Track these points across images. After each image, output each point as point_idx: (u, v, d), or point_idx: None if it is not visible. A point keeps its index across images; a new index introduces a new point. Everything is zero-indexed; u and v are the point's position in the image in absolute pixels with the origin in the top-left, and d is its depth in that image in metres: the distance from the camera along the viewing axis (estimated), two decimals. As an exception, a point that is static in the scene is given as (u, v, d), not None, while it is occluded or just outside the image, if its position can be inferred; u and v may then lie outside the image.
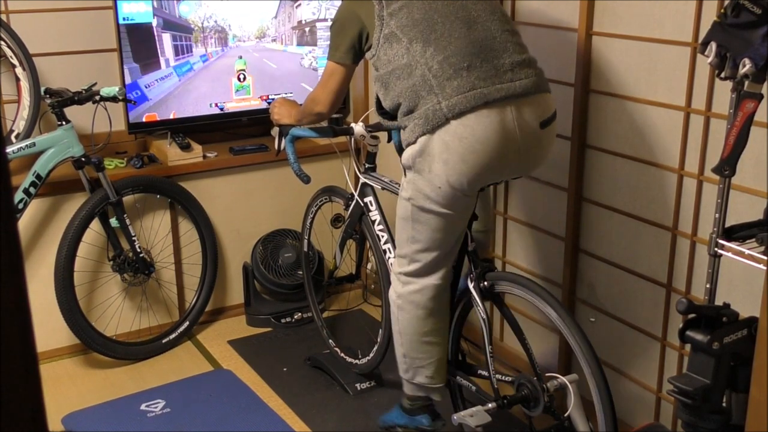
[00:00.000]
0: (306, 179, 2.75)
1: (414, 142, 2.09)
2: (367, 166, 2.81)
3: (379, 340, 2.83)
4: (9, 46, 2.93)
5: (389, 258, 2.63)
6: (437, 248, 2.23)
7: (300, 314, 3.50)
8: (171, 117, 3.35)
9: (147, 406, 2.85)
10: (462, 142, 2.04)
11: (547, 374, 2.20)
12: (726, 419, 1.76)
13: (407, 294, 2.30)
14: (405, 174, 2.19)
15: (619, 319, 2.59)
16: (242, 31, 3.45)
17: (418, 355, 2.35)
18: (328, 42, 2.38)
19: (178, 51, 3.34)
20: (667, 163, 2.35)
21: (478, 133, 2.04)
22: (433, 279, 2.27)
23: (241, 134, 3.60)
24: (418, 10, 2.14)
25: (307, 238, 3.20)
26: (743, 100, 1.72)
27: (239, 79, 3.47)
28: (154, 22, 3.22)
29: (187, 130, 3.40)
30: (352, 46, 2.27)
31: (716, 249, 1.82)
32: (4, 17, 3.01)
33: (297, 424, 2.77)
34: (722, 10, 1.75)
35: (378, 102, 2.27)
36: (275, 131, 2.80)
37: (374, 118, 2.42)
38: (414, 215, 2.19)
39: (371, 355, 2.89)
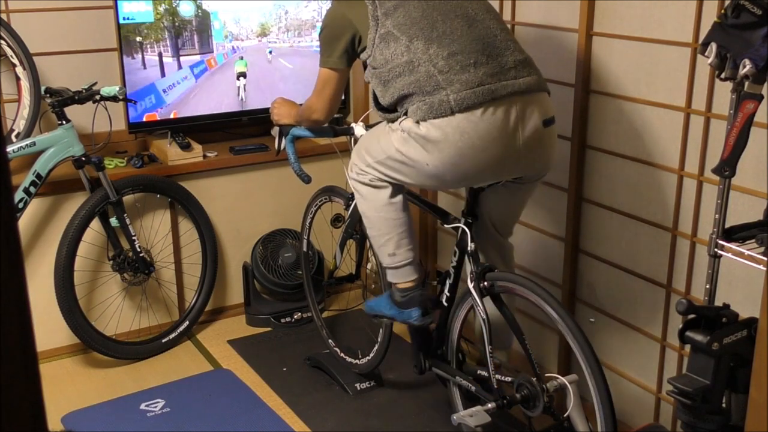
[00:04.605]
0: (306, 179, 2.76)
1: (416, 122, 2.10)
2: (367, 166, 2.80)
3: (379, 340, 2.83)
4: (9, 46, 2.93)
5: None
6: (394, 182, 2.26)
7: (300, 314, 3.50)
8: (171, 117, 3.35)
9: (147, 405, 2.85)
10: (463, 137, 2.05)
11: (546, 374, 2.20)
12: (725, 420, 1.76)
13: (363, 181, 2.30)
14: (402, 131, 2.16)
15: (618, 320, 2.59)
16: (239, 29, 3.45)
17: (378, 233, 2.33)
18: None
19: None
20: (667, 163, 2.35)
21: (481, 130, 2.05)
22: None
23: (241, 134, 3.60)
24: (415, 9, 2.14)
25: (306, 237, 3.20)
26: (743, 101, 1.72)
27: (239, 80, 3.47)
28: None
29: (187, 129, 3.40)
30: (345, 51, 2.27)
31: (716, 250, 1.82)
32: (4, 16, 3.01)
33: (297, 424, 2.77)
34: (723, 11, 1.75)
35: (375, 97, 2.27)
36: (275, 131, 2.80)
37: (374, 118, 2.42)
38: (392, 157, 2.19)
39: (371, 355, 2.89)
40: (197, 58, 3.37)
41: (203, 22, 3.38)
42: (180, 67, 3.35)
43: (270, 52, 3.51)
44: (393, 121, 2.21)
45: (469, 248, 2.33)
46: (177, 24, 3.30)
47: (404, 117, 2.16)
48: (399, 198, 2.29)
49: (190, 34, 3.35)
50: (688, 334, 1.73)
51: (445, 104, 2.05)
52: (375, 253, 2.43)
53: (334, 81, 2.35)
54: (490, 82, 2.07)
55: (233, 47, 3.44)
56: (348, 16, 2.23)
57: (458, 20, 2.14)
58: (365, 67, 2.27)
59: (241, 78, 3.47)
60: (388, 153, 2.20)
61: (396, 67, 2.12)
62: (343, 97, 3.00)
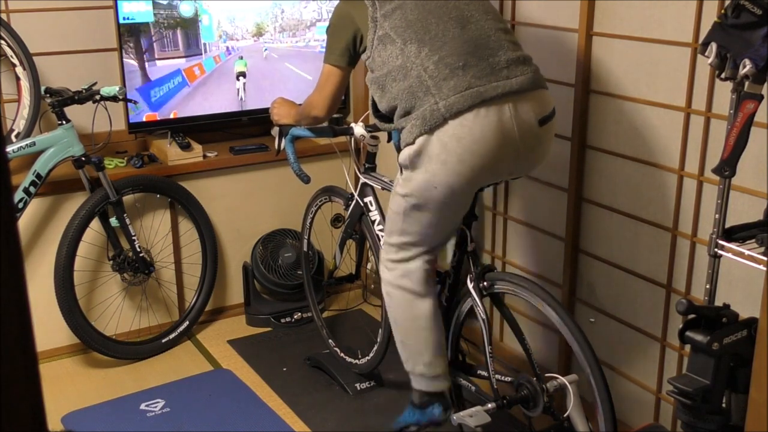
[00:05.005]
0: (306, 179, 2.76)
1: (412, 143, 2.08)
2: (367, 166, 2.81)
3: (378, 340, 2.83)
4: (9, 46, 2.93)
5: None
6: (427, 243, 2.24)
7: (300, 314, 3.50)
8: (171, 117, 3.35)
9: (147, 405, 2.85)
10: (460, 143, 2.04)
11: (546, 375, 2.20)
12: (725, 420, 1.76)
13: (394, 279, 2.30)
14: (401, 172, 2.18)
15: (618, 320, 2.59)
16: (234, 29, 3.43)
17: (413, 342, 2.33)
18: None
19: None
20: (667, 163, 2.35)
21: (476, 133, 2.04)
22: (419, 263, 2.27)
23: (241, 134, 3.60)
24: (411, 11, 2.13)
25: (306, 238, 3.20)
26: (743, 101, 1.72)
27: (238, 80, 3.47)
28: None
29: (187, 129, 3.40)
30: (347, 48, 2.27)
31: (716, 250, 1.82)
32: (4, 16, 3.01)
33: (297, 424, 2.77)
34: (723, 11, 1.75)
35: (374, 104, 2.27)
36: (275, 131, 2.80)
37: (378, 123, 2.42)
38: (407, 211, 2.19)
39: (371, 355, 2.89)
40: (181, 61, 3.29)
41: (190, 19, 3.28)
42: (148, 79, 3.22)
43: (265, 50, 3.51)
44: (390, 130, 2.22)
45: (468, 248, 2.33)
46: (161, 21, 3.21)
47: (399, 153, 2.16)
48: (438, 305, 2.31)
49: (172, 33, 3.25)
50: (688, 334, 1.73)
51: (436, 113, 2.03)
52: (403, 358, 2.41)
53: (335, 78, 2.35)
54: (479, 85, 2.04)
55: (228, 48, 3.42)
56: (352, 15, 2.23)
57: (451, 22, 2.12)
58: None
59: (241, 78, 3.47)
60: (401, 209, 2.19)
61: (392, 71, 2.11)
62: (343, 97, 3.00)
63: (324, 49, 2.37)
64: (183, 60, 3.31)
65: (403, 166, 2.15)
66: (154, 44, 3.23)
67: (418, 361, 2.35)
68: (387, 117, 2.22)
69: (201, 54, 3.35)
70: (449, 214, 2.19)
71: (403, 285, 2.29)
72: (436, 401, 2.38)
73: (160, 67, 3.26)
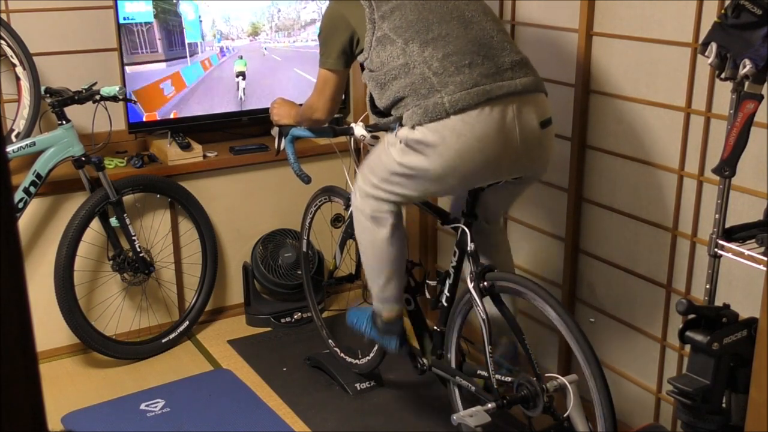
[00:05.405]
0: (306, 179, 2.76)
1: (411, 128, 2.10)
2: (367, 166, 2.80)
3: (378, 340, 2.83)
4: (9, 46, 2.93)
5: None
6: (403, 197, 2.26)
7: (300, 314, 3.50)
8: (171, 117, 3.35)
9: (146, 405, 2.85)
10: (459, 138, 2.05)
11: (546, 374, 2.20)
12: (725, 420, 1.76)
13: (363, 208, 2.30)
14: (400, 142, 2.16)
15: (618, 320, 2.59)
16: (230, 28, 3.42)
17: (373, 263, 2.36)
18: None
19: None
20: (667, 163, 2.35)
21: (478, 130, 2.05)
22: (390, 206, 2.28)
23: (241, 134, 3.60)
24: (411, 12, 2.14)
25: (306, 238, 3.20)
26: (743, 101, 1.72)
27: (238, 80, 3.47)
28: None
29: (187, 129, 3.40)
30: (343, 51, 2.27)
31: (716, 250, 1.82)
32: (4, 16, 3.01)
33: (297, 423, 2.77)
34: (723, 11, 1.76)
35: (371, 101, 2.27)
36: (275, 131, 2.80)
37: (374, 118, 2.42)
38: (395, 172, 2.18)
39: (371, 355, 2.89)
40: (160, 67, 3.23)
41: (171, 16, 3.22)
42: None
43: (264, 50, 3.50)
44: (388, 126, 2.21)
45: (468, 248, 2.33)
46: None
47: (399, 127, 2.15)
48: (397, 236, 2.31)
49: (145, 32, 3.17)
50: (688, 334, 1.73)
51: (440, 107, 2.04)
52: (365, 277, 2.47)
53: (333, 81, 2.35)
54: (486, 83, 2.07)
55: (222, 48, 3.40)
56: (346, 17, 2.22)
57: (454, 22, 2.14)
58: (363, 69, 2.27)
59: (241, 78, 3.47)
60: (390, 168, 2.19)
61: (392, 69, 2.12)
62: (343, 97, 3.00)
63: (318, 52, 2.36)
64: (164, 65, 3.26)
65: (402, 140, 2.15)
66: (127, 45, 3.15)
67: (375, 283, 2.40)
68: (384, 113, 2.23)
69: (186, 57, 3.32)
70: (433, 192, 2.30)
71: (369, 214, 2.29)
72: (395, 336, 2.48)
73: (140, 73, 3.20)
